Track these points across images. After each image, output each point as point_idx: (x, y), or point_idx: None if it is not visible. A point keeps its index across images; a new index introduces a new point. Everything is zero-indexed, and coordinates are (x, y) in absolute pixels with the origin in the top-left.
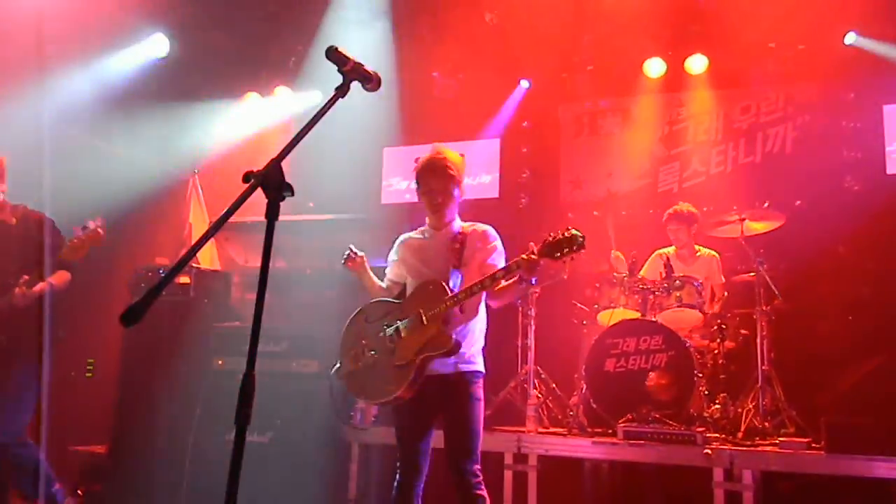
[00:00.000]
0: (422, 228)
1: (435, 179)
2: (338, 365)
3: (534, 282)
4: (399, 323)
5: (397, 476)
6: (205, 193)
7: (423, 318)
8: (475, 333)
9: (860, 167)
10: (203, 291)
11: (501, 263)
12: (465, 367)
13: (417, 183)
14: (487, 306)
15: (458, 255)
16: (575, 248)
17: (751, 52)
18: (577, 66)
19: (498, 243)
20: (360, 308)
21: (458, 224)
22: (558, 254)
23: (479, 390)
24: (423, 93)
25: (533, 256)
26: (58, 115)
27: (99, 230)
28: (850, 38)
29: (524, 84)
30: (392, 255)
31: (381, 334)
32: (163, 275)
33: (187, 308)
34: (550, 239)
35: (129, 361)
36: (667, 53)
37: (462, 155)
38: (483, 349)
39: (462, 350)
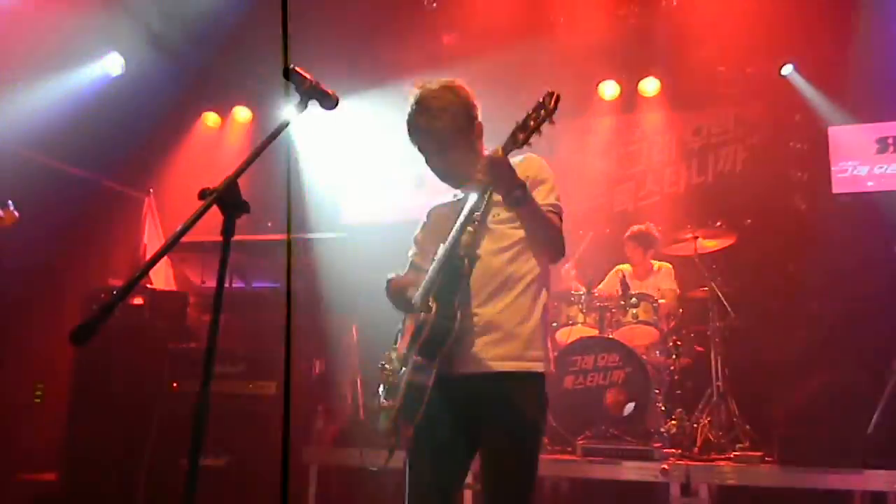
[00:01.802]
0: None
1: (432, 138)
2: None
3: (517, 192)
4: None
5: None
6: (160, 215)
7: (430, 300)
8: (528, 315)
9: (807, 187)
10: (157, 312)
11: (551, 198)
12: (505, 366)
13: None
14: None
15: (487, 204)
16: (543, 114)
17: (701, 75)
18: (532, 87)
19: (543, 172)
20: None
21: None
22: (522, 133)
23: (535, 406)
24: (377, 108)
25: (493, 154)
26: (9, 133)
27: (2, 216)
28: (787, 70)
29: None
30: (417, 236)
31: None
32: (113, 297)
33: (141, 330)
34: (516, 123)
35: (80, 385)
36: (620, 76)
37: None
38: (549, 331)
39: (505, 340)
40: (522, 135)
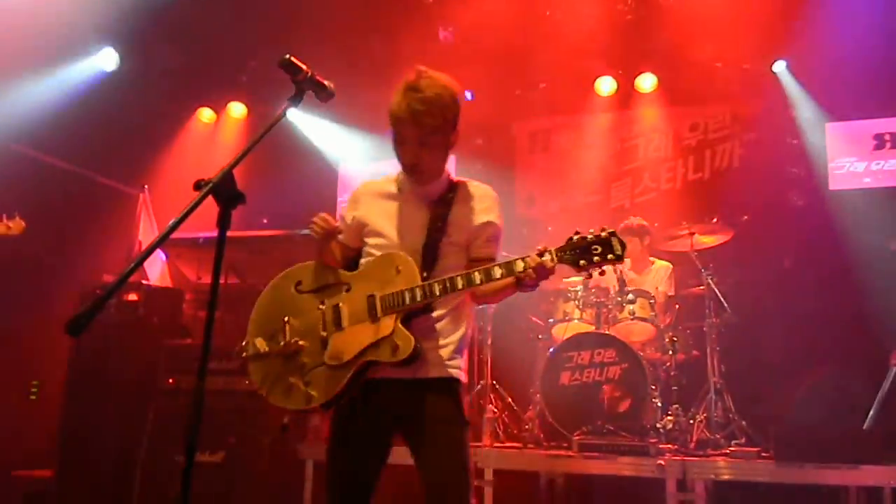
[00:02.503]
0: (394, 175)
1: (412, 129)
2: (244, 343)
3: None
4: (342, 304)
5: None
6: (155, 211)
7: (378, 307)
8: (455, 329)
9: (804, 183)
10: (153, 309)
11: (498, 249)
12: (437, 373)
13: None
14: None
15: (443, 226)
16: (611, 257)
17: (698, 72)
18: (530, 83)
19: (497, 217)
20: (286, 271)
21: (445, 179)
22: (584, 262)
23: (460, 408)
24: (376, 111)
25: (548, 260)
26: (2, 128)
27: (10, 225)
28: (778, 67)
29: (467, 95)
30: (348, 210)
31: (314, 315)
32: (107, 288)
33: (136, 325)
34: (576, 238)
35: (75, 381)
36: (617, 72)
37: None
38: (468, 345)
39: (435, 351)
40: (585, 263)
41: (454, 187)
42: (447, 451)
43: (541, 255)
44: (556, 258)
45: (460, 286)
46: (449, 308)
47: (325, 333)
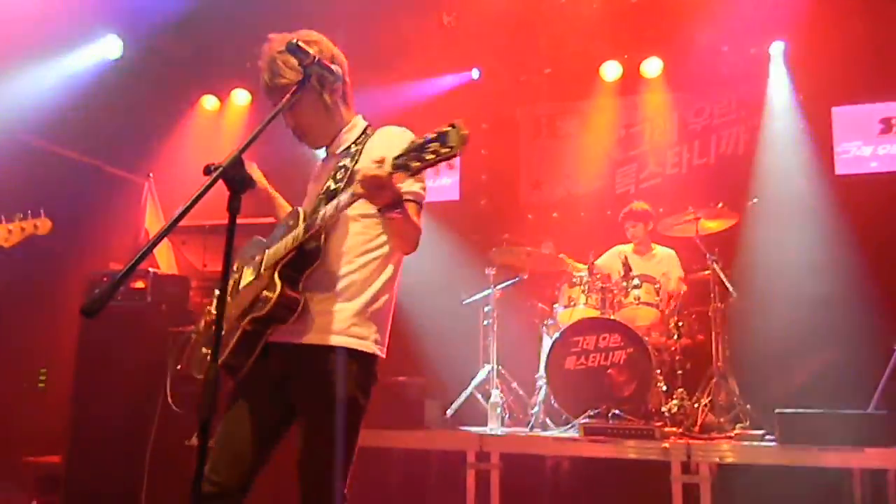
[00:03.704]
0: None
1: (275, 96)
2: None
3: (395, 206)
4: (246, 267)
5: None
6: (160, 198)
7: (262, 262)
8: (362, 288)
9: (810, 168)
10: (160, 296)
11: (414, 187)
12: (326, 340)
13: None
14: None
15: (342, 175)
16: (446, 151)
17: (704, 56)
18: (534, 68)
19: (392, 151)
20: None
21: (352, 130)
22: (417, 163)
23: (347, 383)
24: (381, 97)
25: (382, 171)
26: (7, 117)
27: (37, 224)
28: (776, 49)
29: (475, 74)
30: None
31: (231, 282)
32: (121, 271)
33: (144, 313)
34: (415, 142)
35: (83, 369)
36: (622, 56)
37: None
38: (385, 316)
39: (328, 314)
40: (417, 164)
41: (363, 139)
42: (322, 433)
43: (379, 166)
44: (391, 165)
45: (318, 223)
46: (355, 267)
47: (229, 299)
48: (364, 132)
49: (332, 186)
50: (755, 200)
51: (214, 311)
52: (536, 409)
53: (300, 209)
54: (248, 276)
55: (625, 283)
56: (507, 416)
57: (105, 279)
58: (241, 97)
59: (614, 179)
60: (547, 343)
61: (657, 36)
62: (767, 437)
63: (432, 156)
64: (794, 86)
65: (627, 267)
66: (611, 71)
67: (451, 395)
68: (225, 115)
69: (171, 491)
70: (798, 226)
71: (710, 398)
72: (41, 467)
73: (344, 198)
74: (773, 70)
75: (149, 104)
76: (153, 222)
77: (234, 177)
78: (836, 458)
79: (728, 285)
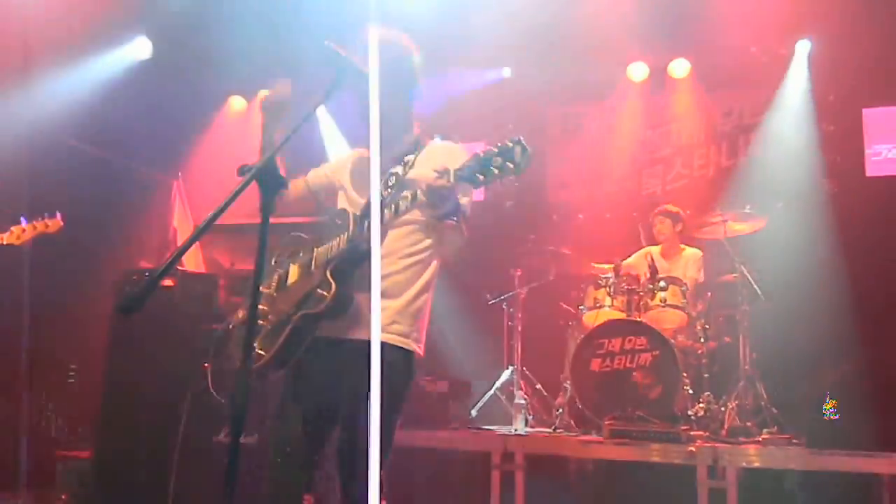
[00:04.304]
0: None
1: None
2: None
3: (453, 216)
4: (293, 264)
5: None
6: (189, 198)
7: (313, 260)
8: (405, 288)
9: (840, 170)
10: (188, 294)
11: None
12: (368, 335)
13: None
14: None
15: (394, 182)
16: (510, 167)
17: (733, 56)
18: (562, 69)
19: (454, 165)
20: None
21: (411, 139)
22: (482, 176)
23: (395, 372)
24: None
25: (445, 181)
26: (41, 118)
27: (48, 223)
28: (805, 49)
29: (506, 72)
30: (328, 167)
31: (273, 279)
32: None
33: (172, 311)
34: (479, 155)
35: (113, 365)
36: (650, 58)
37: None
38: (424, 316)
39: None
40: (482, 178)
41: (418, 148)
42: (359, 425)
43: (441, 176)
44: (454, 177)
45: (361, 223)
46: (401, 267)
47: (275, 294)
48: (417, 142)
49: (384, 192)
50: (780, 205)
51: (261, 307)
52: (561, 410)
53: (348, 210)
54: (294, 272)
55: (651, 286)
56: (532, 417)
57: (135, 277)
58: None
59: (641, 181)
60: (572, 345)
61: (685, 36)
62: (795, 441)
63: (497, 171)
64: (824, 87)
65: (654, 269)
66: (638, 72)
67: (475, 396)
68: (252, 117)
69: (200, 486)
70: (827, 229)
71: (737, 402)
72: (71, 462)
73: (403, 204)
74: (803, 70)
75: (178, 105)
76: (182, 221)
77: (267, 178)
78: (865, 464)
79: (756, 288)
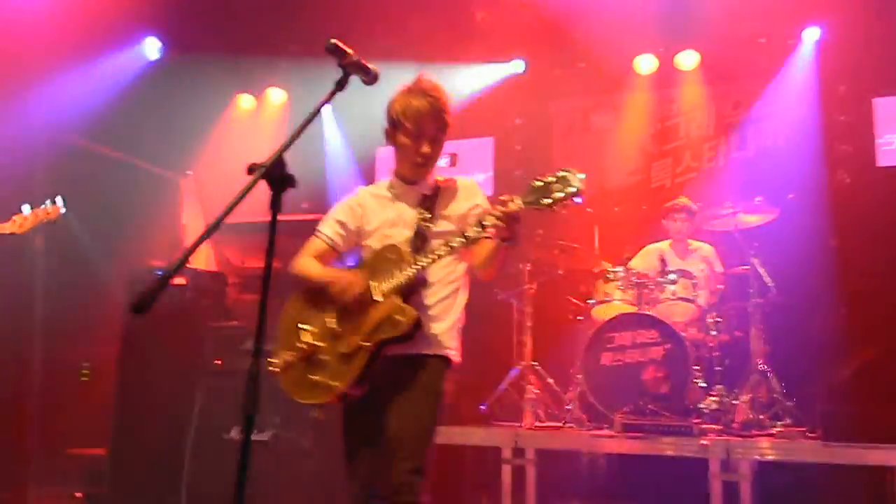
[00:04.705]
0: (386, 182)
1: (433, 125)
2: (271, 359)
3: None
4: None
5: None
6: (198, 195)
7: (377, 292)
8: (449, 313)
9: (851, 160)
10: (199, 292)
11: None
12: (427, 350)
13: (397, 124)
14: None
15: (430, 216)
16: (571, 191)
17: (742, 47)
18: (568, 62)
19: (483, 199)
20: (293, 294)
21: (432, 179)
22: (547, 199)
23: (441, 381)
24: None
25: (514, 206)
26: (50, 118)
27: (48, 210)
28: (814, 39)
29: (519, 65)
30: (338, 214)
31: (324, 315)
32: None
33: (183, 309)
34: (538, 184)
35: (126, 363)
36: (657, 50)
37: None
38: (461, 331)
39: (432, 329)
40: (548, 202)
41: (438, 185)
42: (408, 416)
43: (505, 204)
44: (521, 203)
45: (443, 253)
46: (444, 295)
47: (338, 329)
48: (436, 182)
49: (423, 226)
50: (790, 196)
51: (318, 343)
52: (572, 405)
53: (398, 245)
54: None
55: (661, 279)
56: (543, 412)
57: (146, 275)
58: (276, 96)
59: (650, 174)
60: (582, 339)
61: (693, 28)
62: (809, 434)
63: (560, 195)
64: (834, 77)
65: (664, 263)
66: (646, 64)
67: (485, 391)
68: (261, 114)
69: (212, 482)
70: (839, 219)
71: (749, 395)
72: (86, 459)
73: (473, 233)
74: (812, 61)
75: (187, 104)
76: (191, 220)
77: (276, 176)
78: (880, 456)
79: (767, 280)
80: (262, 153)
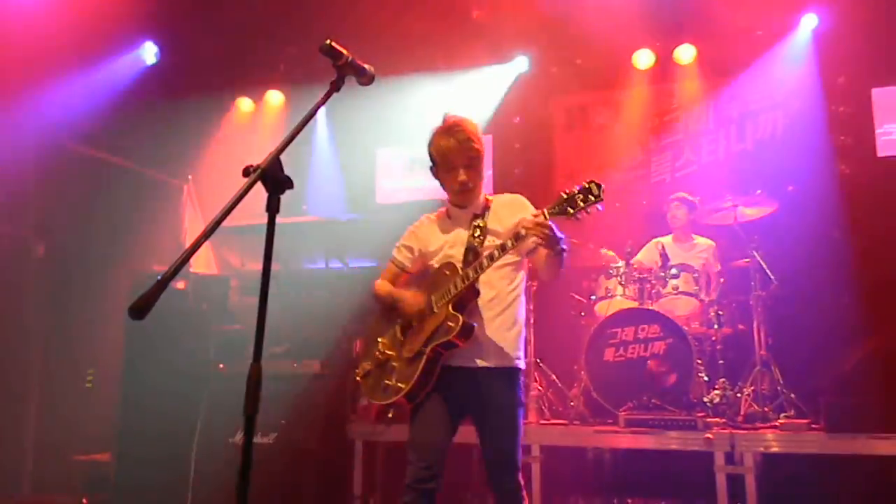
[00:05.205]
0: (443, 209)
1: (463, 157)
2: (357, 370)
3: (563, 246)
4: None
5: (408, 477)
6: (199, 201)
7: (434, 305)
8: (511, 322)
9: (851, 151)
10: (201, 296)
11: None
12: (496, 363)
13: (434, 162)
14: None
15: (480, 233)
16: (592, 199)
17: (739, 41)
18: (566, 59)
19: (528, 210)
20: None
21: (483, 200)
22: (571, 209)
23: (519, 392)
24: (417, 90)
25: (542, 217)
26: (50, 124)
27: None
28: (811, 31)
29: (523, 62)
30: (406, 240)
31: (394, 327)
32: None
33: (186, 313)
34: (564, 195)
35: (129, 368)
36: (655, 44)
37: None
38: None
39: (493, 342)
40: (572, 210)
41: (488, 203)
42: (504, 434)
43: (536, 215)
44: (547, 214)
45: (486, 264)
46: (504, 305)
47: (402, 338)
48: (487, 201)
49: (474, 242)
50: (791, 188)
51: (389, 352)
52: (576, 401)
53: (453, 262)
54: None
55: (662, 273)
56: (547, 408)
57: (149, 280)
58: (275, 98)
59: (650, 168)
60: (585, 335)
61: (690, 22)
62: (813, 425)
63: (583, 203)
64: (832, 68)
65: (665, 257)
66: (643, 59)
67: None
68: (260, 117)
69: (217, 487)
70: (839, 210)
71: (753, 387)
72: (90, 465)
73: (510, 244)
74: (810, 52)
75: (186, 108)
76: (193, 224)
77: (273, 178)
78: (885, 446)
79: (769, 273)
80: (262, 156)
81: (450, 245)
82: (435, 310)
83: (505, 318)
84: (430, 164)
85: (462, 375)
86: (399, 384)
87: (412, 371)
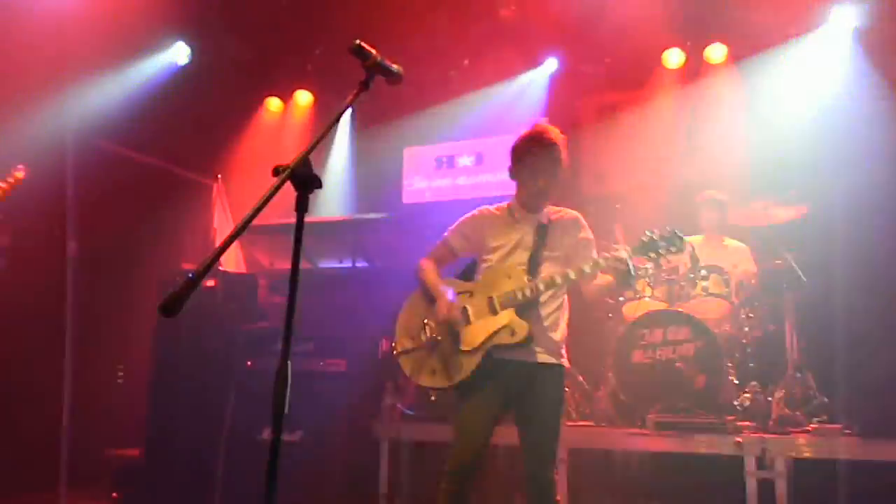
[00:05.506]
0: (507, 205)
1: (548, 164)
2: (394, 344)
3: (632, 282)
4: (467, 306)
5: (449, 465)
6: (228, 200)
7: (497, 304)
8: (559, 324)
9: (886, 148)
10: (230, 294)
11: (592, 253)
12: (548, 359)
13: (520, 160)
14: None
15: (544, 243)
16: (673, 250)
17: (770, 38)
18: (595, 58)
19: (588, 232)
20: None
21: (548, 209)
22: (653, 254)
23: (563, 390)
24: (441, 91)
25: (625, 255)
26: (82, 124)
27: (15, 175)
28: (844, 24)
29: (553, 64)
30: (464, 227)
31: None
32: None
33: (214, 311)
34: (646, 239)
35: (159, 365)
36: (685, 43)
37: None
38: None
39: (546, 341)
40: (654, 254)
41: (551, 217)
42: (548, 426)
43: (617, 250)
44: (631, 253)
45: (559, 282)
46: (553, 308)
47: (458, 328)
48: (551, 212)
49: (539, 250)
50: (824, 187)
51: (439, 337)
52: (603, 403)
53: (516, 266)
54: (474, 310)
55: (692, 275)
56: (574, 410)
57: (178, 278)
58: (303, 98)
59: (679, 169)
60: (613, 337)
61: (721, 21)
62: (846, 430)
63: (664, 252)
64: (873, 63)
65: (695, 259)
66: (673, 58)
67: None
68: (288, 117)
69: (245, 483)
70: (875, 211)
71: (784, 391)
72: (120, 460)
73: (588, 269)
74: (843, 48)
75: (216, 108)
76: (222, 223)
77: (302, 177)
78: None
79: (801, 274)
80: (291, 155)
81: (514, 245)
82: (498, 310)
83: (556, 317)
84: (511, 163)
85: (513, 367)
86: (452, 373)
87: (469, 365)
